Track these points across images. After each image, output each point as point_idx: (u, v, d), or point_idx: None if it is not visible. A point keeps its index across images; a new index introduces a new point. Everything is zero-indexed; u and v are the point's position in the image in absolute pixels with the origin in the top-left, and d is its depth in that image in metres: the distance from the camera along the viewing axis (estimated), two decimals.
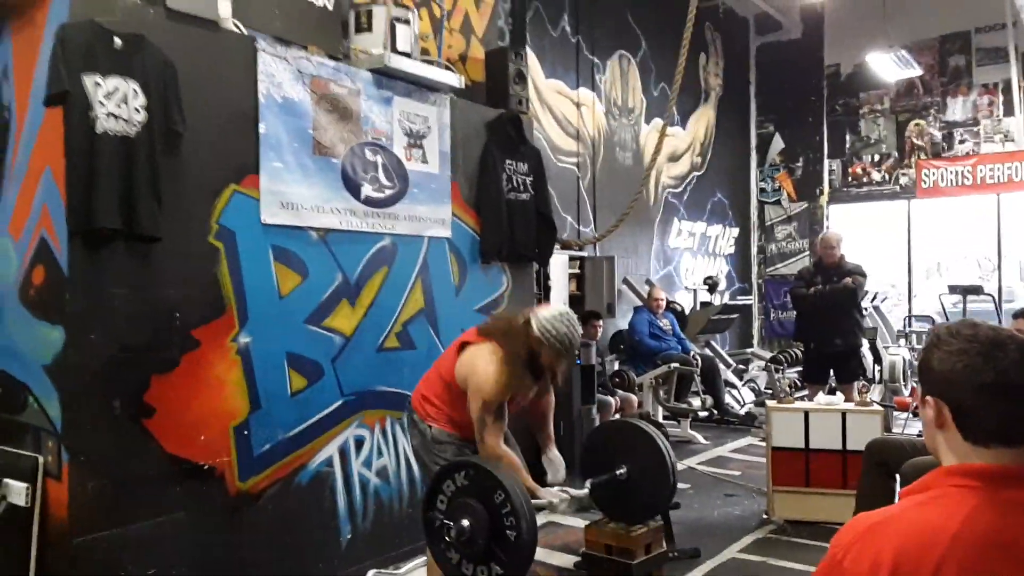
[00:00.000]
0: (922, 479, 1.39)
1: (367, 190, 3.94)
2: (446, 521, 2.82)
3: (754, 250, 11.87)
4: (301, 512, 3.65)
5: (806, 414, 4.83)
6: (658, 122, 8.66)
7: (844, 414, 4.75)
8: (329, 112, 3.77)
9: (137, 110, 3.02)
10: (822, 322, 6.37)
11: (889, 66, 9.45)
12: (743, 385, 8.84)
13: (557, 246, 7.49)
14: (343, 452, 3.86)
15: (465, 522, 2.76)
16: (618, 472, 3.50)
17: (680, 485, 5.23)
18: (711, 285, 9.60)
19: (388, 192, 4.06)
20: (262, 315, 3.48)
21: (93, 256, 2.97)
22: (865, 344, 7.34)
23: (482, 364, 3.08)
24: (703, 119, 10.69)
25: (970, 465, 1.30)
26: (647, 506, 3.58)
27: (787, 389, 5.49)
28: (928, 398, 1.34)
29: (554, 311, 3.15)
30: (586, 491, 3.26)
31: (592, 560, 3.57)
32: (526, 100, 5.14)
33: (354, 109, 3.89)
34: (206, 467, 3.26)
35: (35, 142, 3.07)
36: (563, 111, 8.29)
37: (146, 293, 3.11)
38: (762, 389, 8.81)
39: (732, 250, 11.40)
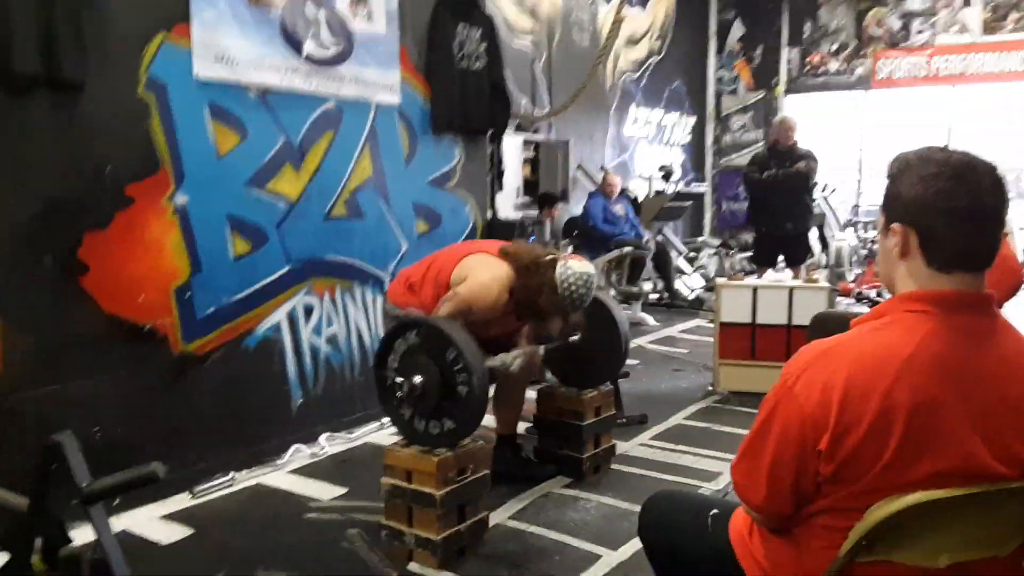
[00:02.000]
0: (876, 307, 1.38)
1: (309, 47, 3.71)
2: (398, 379, 2.80)
3: (709, 140, 11.81)
4: (250, 376, 3.62)
5: (754, 290, 4.91)
6: (616, 1, 8.36)
7: (791, 290, 4.85)
8: None
9: None
10: (774, 206, 6.41)
11: None
12: (694, 271, 8.97)
13: (511, 128, 7.34)
14: (291, 319, 3.80)
15: (417, 379, 2.74)
16: (571, 338, 3.51)
17: (630, 362, 5.35)
18: (666, 173, 9.55)
19: (332, 51, 3.84)
20: (199, 175, 3.32)
21: (12, 102, 2.76)
22: (813, 229, 7.46)
23: (486, 276, 2.97)
24: (663, 1, 10.37)
25: (926, 291, 1.28)
26: (599, 371, 3.62)
27: (736, 268, 5.56)
28: (895, 225, 1.31)
29: (585, 267, 3.01)
30: (540, 348, 3.26)
31: (543, 423, 3.62)
32: None
33: None
34: (147, 328, 3.17)
35: None
36: None
37: (73, 145, 2.92)
38: (712, 275, 8.95)
39: (688, 140, 11.33)
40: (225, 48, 3.36)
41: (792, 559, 1.37)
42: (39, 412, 2.81)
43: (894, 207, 1.32)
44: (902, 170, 1.31)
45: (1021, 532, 1.27)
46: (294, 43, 3.65)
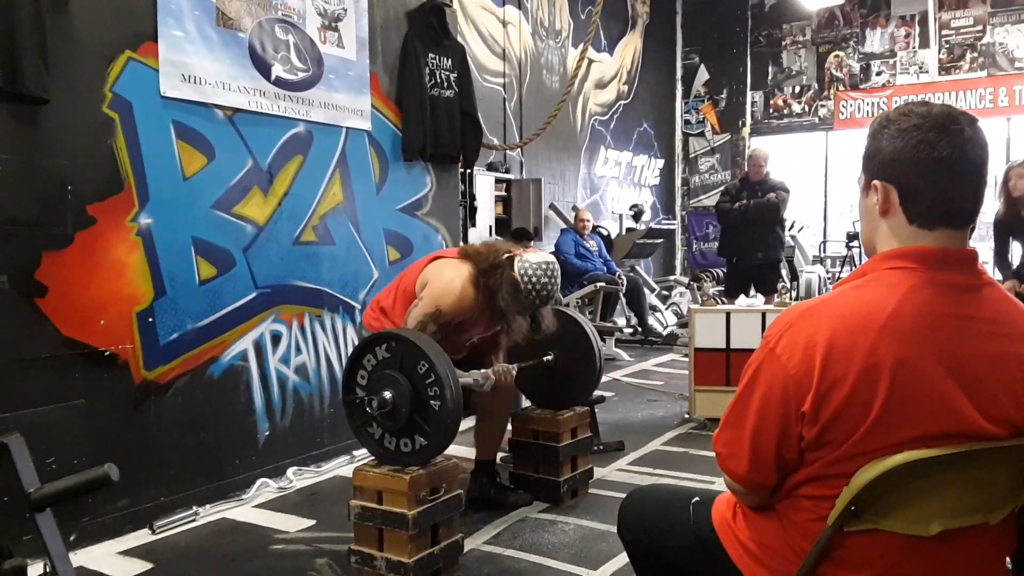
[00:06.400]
0: (859, 268, 1.35)
1: (278, 70, 3.70)
2: (367, 397, 2.72)
3: (678, 182, 11.98)
4: (215, 407, 3.49)
5: (727, 315, 4.91)
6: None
7: (764, 314, 4.85)
8: None
9: None
10: (746, 236, 6.48)
11: None
12: (666, 308, 8.98)
13: (482, 166, 7.37)
14: (258, 347, 3.69)
15: (387, 394, 2.65)
16: (545, 358, 3.46)
17: (605, 394, 5.29)
18: (636, 212, 9.65)
19: (301, 75, 3.83)
20: (164, 196, 3.25)
21: None
22: (783, 258, 7.55)
23: (449, 275, 2.92)
24: (630, 46, 10.61)
25: (908, 248, 1.25)
26: (574, 392, 3.56)
27: (709, 294, 5.57)
28: (876, 182, 1.28)
29: (542, 257, 2.93)
30: (514, 368, 3.19)
31: (518, 447, 3.53)
32: None
33: None
34: (107, 353, 3.05)
35: None
36: (488, 29, 8.07)
37: (34, 161, 2.84)
38: (684, 312, 8.96)
39: (657, 181, 11.48)
40: (192, 67, 3.33)
41: (778, 537, 1.31)
42: None
43: (874, 163, 1.28)
44: (882, 125, 1.28)
45: (1011, 497, 1.22)
46: (263, 66, 3.63)
